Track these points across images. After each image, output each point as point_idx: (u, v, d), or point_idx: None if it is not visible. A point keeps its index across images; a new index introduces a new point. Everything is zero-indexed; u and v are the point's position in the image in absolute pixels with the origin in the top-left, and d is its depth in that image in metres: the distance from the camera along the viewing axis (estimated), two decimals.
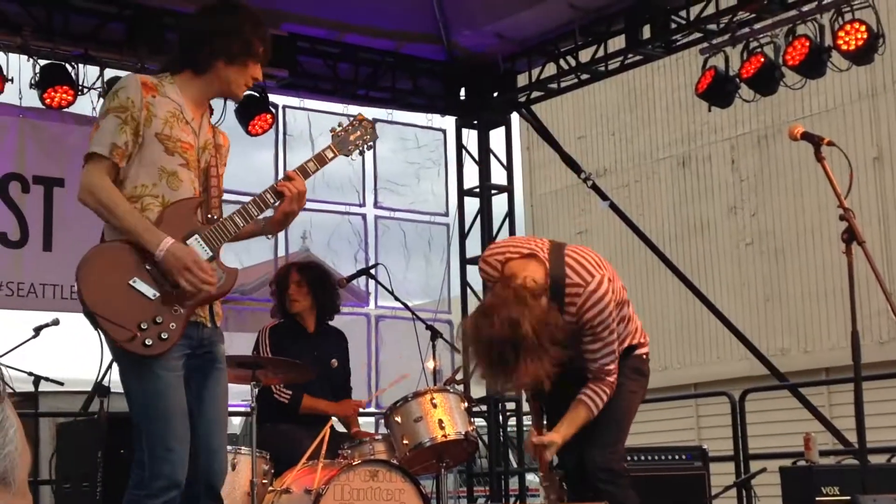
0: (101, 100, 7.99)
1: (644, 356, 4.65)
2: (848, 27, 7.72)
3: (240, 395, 8.56)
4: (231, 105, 8.60)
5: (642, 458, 6.63)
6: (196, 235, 3.83)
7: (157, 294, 3.72)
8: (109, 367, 6.16)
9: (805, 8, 8.03)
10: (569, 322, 4.23)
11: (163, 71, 3.98)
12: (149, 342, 3.67)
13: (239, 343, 8.43)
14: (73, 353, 9.52)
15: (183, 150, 3.83)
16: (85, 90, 8.03)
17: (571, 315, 4.27)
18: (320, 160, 4.13)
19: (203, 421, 3.85)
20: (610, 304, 4.28)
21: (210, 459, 3.87)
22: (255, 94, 8.67)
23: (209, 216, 3.90)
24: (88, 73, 8.04)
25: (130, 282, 3.71)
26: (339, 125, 4.29)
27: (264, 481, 5.49)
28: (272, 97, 8.86)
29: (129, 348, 3.67)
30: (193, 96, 3.92)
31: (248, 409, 5.45)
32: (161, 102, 3.82)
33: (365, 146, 4.34)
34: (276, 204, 3.98)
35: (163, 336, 3.69)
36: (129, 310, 3.68)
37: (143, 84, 3.82)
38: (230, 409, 9.88)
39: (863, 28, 7.68)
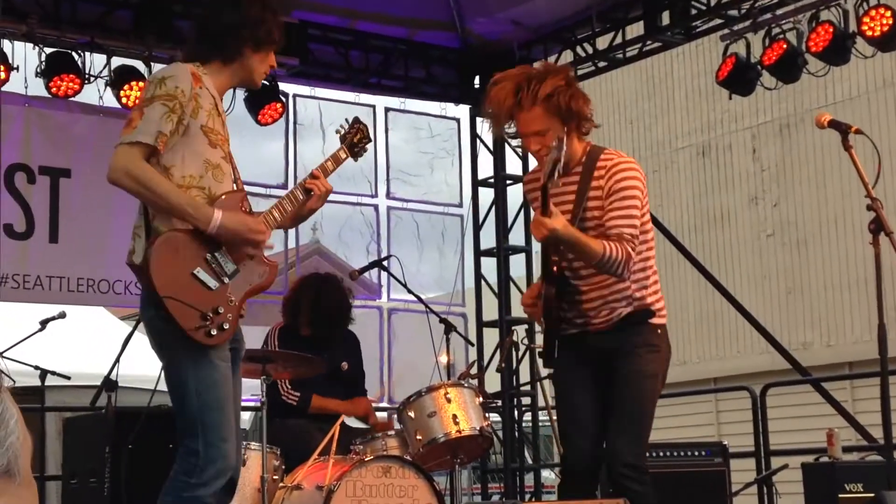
0: (108, 88, 7.93)
1: (659, 329, 4.47)
2: (873, 12, 7.60)
3: (249, 389, 8.49)
4: (240, 94, 8.51)
5: (661, 454, 6.55)
6: None
7: (218, 285, 3.82)
8: (117, 360, 6.12)
9: None
10: (594, 198, 4.30)
11: (189, 60, 3.99)
12: (213, 332, 3.77)
13: (251, 337, 8.31)
14: (80, 347, 9.49)
15: (223, 143, 3.94)
16: (92, 79, 7.97)
17: (598, 188, 4.31)
18: (336, 160, 4.30)
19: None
20: (638, 181, 4.32)
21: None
22: (266, 82, 8.54)
23: (254, 212, 4.02)
24: (95, 62, 8.02)
25: (194, 271, 3.79)
26: (341, 128, 4.44)
27: (275, 477, 5.47)
28: (282, 86, 8.76)
29: (196, 336, 3.74)
30: (220, 87, 4.00)
31: (258, 404, 5.40)
32: (205, 94, 3.88)
33: (364, 144, 4.49)
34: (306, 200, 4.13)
35: (224, 326, 3.79)
36: (193, 299, 3.76)
37: (192, 75, 3.86)
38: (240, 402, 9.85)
39: (888, 13, 7.55)
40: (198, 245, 3.82)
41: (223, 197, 3.87)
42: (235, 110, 8.44)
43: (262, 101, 8.57)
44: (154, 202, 3.81)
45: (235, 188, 3.98)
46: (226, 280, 3.86)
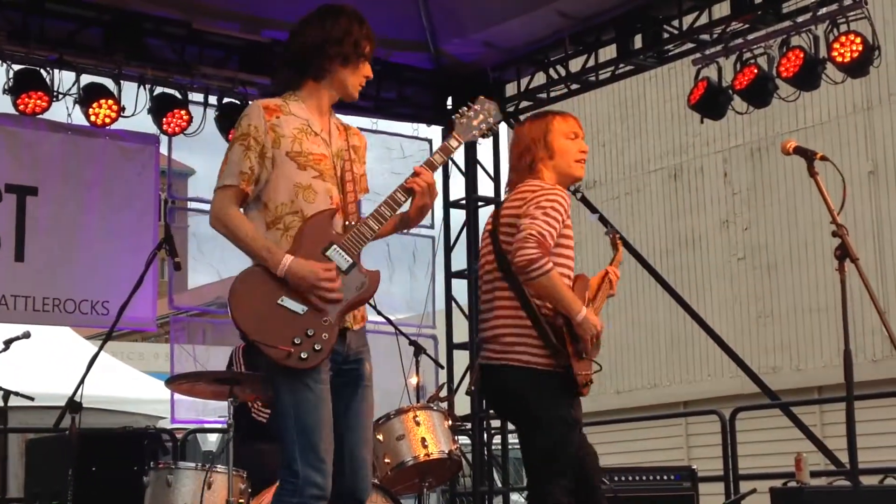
0: (77, 106, 7.89)
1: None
2: (843, 39, 7.64)
3: (216, 411, 8.42)
4: (211, 113, 8.47)
5: (630, 478, 6.54)
6: (335, 246, 3.96)
7: (306, 308, 3.88)
8: (82, 381, 6.05)
9: (800, 19, 7.97)
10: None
11: (282, 91, 4.12)
12: (304, 355, 3.85)
13: (217, 357, 8.28)
14: (44, 367, 9.42)
15: (315, 162, 4.00)
16: (60, 96, 7.92)
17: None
18: (445, 151, 4.24)
19: (351, 435, 4.03)
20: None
21: (357, 475, 4.03)
22: (237, 101, 8.53)
23: (346, 223, 4.02)
24: (64, 79, 7.94)
25: (279, 301, 3.88)
26: (460, 112, 4.32)
27: (241, 501, 5.39)
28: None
29: (289, 364, 3.84)
30: (318, 106, 4.10)
31: (225, 426, 5.36)
32: (287, 121, 3.98)
33: (489, 128, 4.35)
34: (409, 200, 4.11)
35: (316, 347, 3.87)
36: (283, 328, 3.86)
37: (265, 108, 3.99)
38: (207, 424, 9.72)
39: (858, 40, 7.60)
40: None
41: (308, 223, 3.94)
42: (206, 129, 8.42)
43: (233, 120, 8.49)
44: (239, 246, 3.98)
45: (332, 204, 4.00)
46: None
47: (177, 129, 8.38)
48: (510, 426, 9.19)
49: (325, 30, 4.06)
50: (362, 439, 4.05)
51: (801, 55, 7.82)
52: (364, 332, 4.16)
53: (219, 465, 5.49)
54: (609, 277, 4.81)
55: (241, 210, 3.99)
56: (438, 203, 9.96)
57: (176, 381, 5.75)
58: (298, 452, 3.87)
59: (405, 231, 4.40)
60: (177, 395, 8.37)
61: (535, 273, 4.36)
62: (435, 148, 9.71)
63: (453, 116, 4.30)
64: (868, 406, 11.01)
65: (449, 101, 9.92)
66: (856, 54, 7.60)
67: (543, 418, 4.47)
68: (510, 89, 9.81)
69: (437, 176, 10.36)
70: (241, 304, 3.89)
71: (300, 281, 3.86)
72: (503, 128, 10.26)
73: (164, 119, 8.34)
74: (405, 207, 4.12)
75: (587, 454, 4.69)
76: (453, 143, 4.23)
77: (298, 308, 3.88)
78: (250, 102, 8.41)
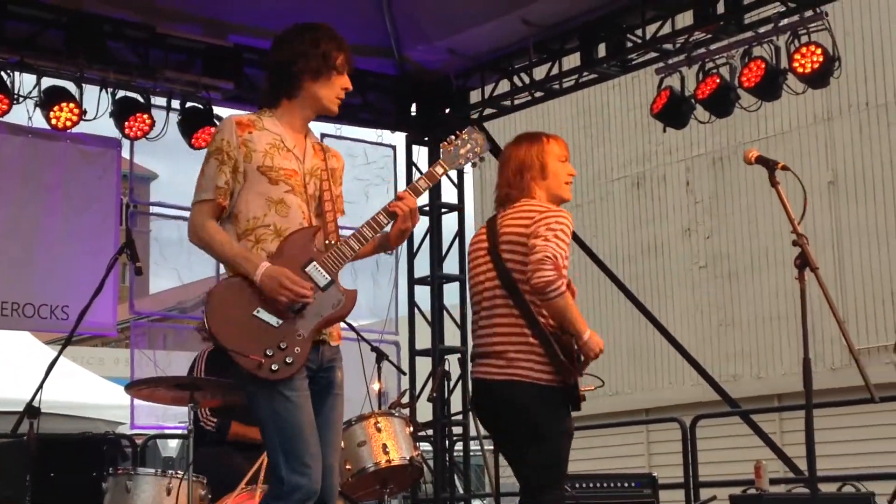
0: (38, 109, 7.81)
1: None
2: (804, 50, 7.70)
3: (177, 416, 8.37)
4: (174, 117, 8.42)
5: (590, 485, 6.54)
6: (314, 262, 4.02)
7: (281, 321, 3.95)
8: (41, 386, 5.98)
9: (762, 30, 8.02)
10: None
11: (262, 108, 4.19)
12: (275, 367, 3.91)
13: (178, 362, 8.23)
14: (2, 372, 9.32)
15: (286, 177, 4.05)
16: (21, 99, 7.85)
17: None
18: (431, 177, 4.28)
19: (319, 442, 4.04)
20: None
21: (326, 481, 4.04)
22: (200, 106, 8.49)
23: (327, 242, 4.09)
24: (25, 82, 7.87)
25: (255, 312, 3.95)
26: (448, 140, 4.35)
27: None
28: (217, 110, 8.66)
29: (259, 374, 3.90)
30: (292, 123, 4.14)
31: (185, 432, 5.31)
32: (259, 136, 4.05)
33: (476, 158, 4.40)
34: (390, 223, 4.15)
35: (287, 360, 3.92)
36: (256, 339, 3.92)
37: (237, 124, 4.06)
38: (167, 430, 9.64)
39: (819, 51, 7.66)
40: (258, 287, 3.98)
41: (288, 239, 4.01)
42: (168, 134, 8.37)
43: (195, 125, 8.48)
44: (216, 256, 4.10)
45: (304, 219, 4.05)
46: (291, 315, 3.97)
47: (139, 132, 8.33)
48: (472, 432, 9.19)
49: (293, 46, 4.11)
50: (331, 447, 4.09)
51: (763, 66, 7.88)
52: (339, 352, 4.21)
53: (178, 472, 5.46)
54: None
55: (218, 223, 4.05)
56: None
57: (136, 387, 5.71)
58: (282, 459, 3.93)
59: (388, 252, 4.47)
60: (137, 401, 8.31)
61: (553, 294, 4.47)
62: (389, 153, 9.83)
63: (441, 144, 4.34)
64: (827, 414, 11.13)
65: (413, 108, 9.91)
66: (816, 65, 7.67)
67: (547, 432, 4.59)
68: (474, 96, 9.82)
69: (401, 182, 10.37)
70: (217, 312, 3.97)
71: (271, 282, 3.90)
72: None
73: (127, 123, 8.28)
74: (387, 229, 4.17)
75: None
76: (439, 170, 4.27)
77: (273, 321, 3.94)
78: (214, 108, 8.48)
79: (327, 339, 4.11)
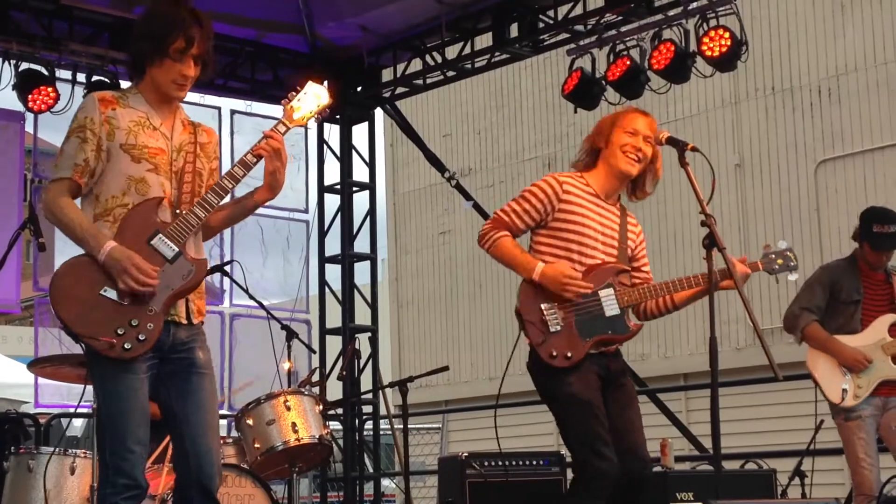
0: None
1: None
2: (713, 33, 7.80)
3: (83, 396, 8.23)
4: (79, 91, 8.25)
5: (499, 463, 6.57)
6: (160, 234, 3.91)
7: (130, 298, 3.83)
8: None
9: (671, 13, 8.11)
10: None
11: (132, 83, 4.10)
12: (128, 346, 3.81)
13: None
14: None
15: (151, 155, 3.95)
16: None
17: (632, 232, 5.15)
18: (282, 128, 4.15)
19: (189, 425, 3.95)
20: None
21: (200, 462, 3.93)
22: (106, 80, 8.34)
23: (177, 212, 3.97)
24: None
25: (102, 291, 3.83)
26: (290, 96, 4.25)
27: None
28: (125, 84, 8.49)
29: (112, 355, 3.79)
30: (155, 101, 4.02)
31: (91, 411, 5.24)
32: (123, 114, 3.94)
33: (319, 112, 4.34)
34: (237, 183, 4.02)
35: (140, 338, 3.82)
36: (106, 318, 3.81)
37: (100, 100, 3.95)
38: (71, 409, 9.49)
39: (727, 35, 7.77)
40: None
41: (131, 212, 3.89)
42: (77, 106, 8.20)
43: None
44: (67, 234, 3.94)
45: (165, 194, 3.94)
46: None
47: (43, 106, 8.17)
48: (382, 410, 9.19)
49: (139, 27, 4.03)
50: (203, 427, 3.96)
51: (672, 48, 7.97)
52: (202, 330, 4.10)
53: (84, 451, 5.41)
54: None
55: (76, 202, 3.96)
56: (313, 187, 9.89)
57: (39, 364, 5.63)
58: (108, 442, 3.88)
59: (277, 208, 4.39)
60: (41, 379, 8.18)
61: (484, 246, 4.70)
62: (301, 132, 9.76)
63: (282, 101, 4.26)
64: (731, 393, 11.30)
65: (325, 85, 9.83)
66: (724, 49, 7.77)
67: (546, 395, 4.90)
68: (386, 74, 9.78)
69: (312, 160, 10.29)
70: (64, 295, 3.85)
71: (114, 263, 3.81)
72: (379, 113, 10.23)
73: (30, 96, 8.12)
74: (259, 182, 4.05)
75: None
76: (281, 128, 4.15)
77: (122, 298, 3.84)
78: (121, 82, 8.31)
79: (177, 319, 3.98)
